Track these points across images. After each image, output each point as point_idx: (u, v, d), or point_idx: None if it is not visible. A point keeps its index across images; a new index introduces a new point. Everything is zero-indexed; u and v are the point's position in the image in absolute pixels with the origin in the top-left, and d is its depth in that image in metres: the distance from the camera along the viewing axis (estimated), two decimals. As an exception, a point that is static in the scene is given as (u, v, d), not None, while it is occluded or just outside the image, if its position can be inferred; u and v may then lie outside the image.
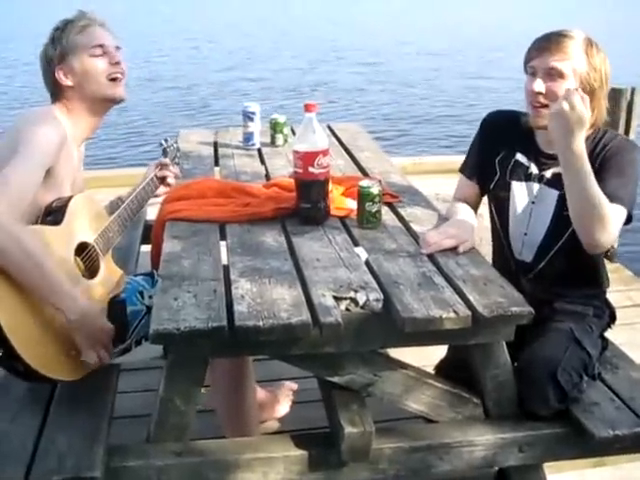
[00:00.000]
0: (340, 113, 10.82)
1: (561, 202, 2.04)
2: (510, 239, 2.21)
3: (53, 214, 1.97)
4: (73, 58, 2.11)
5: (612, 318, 2.22)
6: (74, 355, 1.90)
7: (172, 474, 1.79)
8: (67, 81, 2.11)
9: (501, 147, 2.19)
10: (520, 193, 2.16)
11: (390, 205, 2.37)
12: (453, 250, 1.99)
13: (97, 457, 1.71)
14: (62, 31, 2.12)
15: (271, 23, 25.32)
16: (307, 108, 2.10)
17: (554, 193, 2.08)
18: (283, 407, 2.70)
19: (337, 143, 3.24)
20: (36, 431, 1.82)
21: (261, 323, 1.58)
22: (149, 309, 2.09)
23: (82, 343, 1.88)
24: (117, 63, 2.16)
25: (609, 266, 4.09)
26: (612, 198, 1.93)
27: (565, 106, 1.83)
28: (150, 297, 2.11)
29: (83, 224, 2.06)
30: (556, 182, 2.06)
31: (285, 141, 3.19)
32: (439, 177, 5.01)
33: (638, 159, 2.01)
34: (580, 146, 1.86)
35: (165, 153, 2.63)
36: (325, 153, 2.10)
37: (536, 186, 2.13)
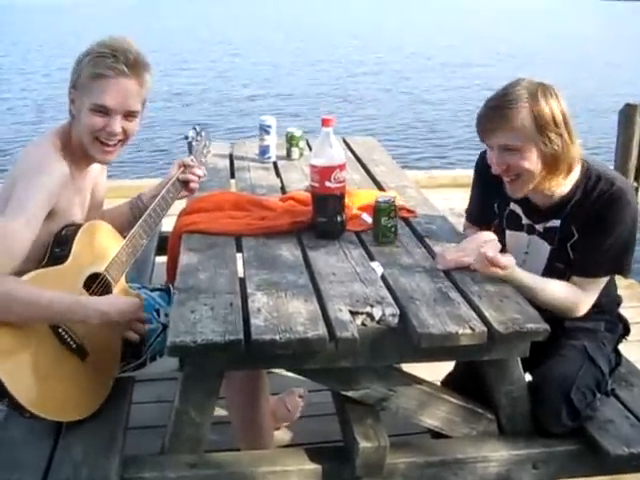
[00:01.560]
0: (355, 125, 10.84)
1: (553, 255, 2.05)
2: None
3: (61, 246, 1.93)
4: (81, 96, 1.96)
5: (626, 330, 2.22)
6: (83, 394, 1.90)
7: (186, 486, 1.80)
8: (73, 109, 2.01)
9: (497, 193, 2.14)
10: (513, 242, 2.15)
11: (406, 220, 2.38)
12: (468, 267, 1.98)
13: (112, 468, 1.73)
14: (92, 59, 1.94)
15: (288, 37, 25.41)
16: (324, 122, 2.11)
17: (546, 247, 2.08)
18: (293, 414, 2.69)
19: (352, 157, 3.25)
20: (52, 441, 1.84)
21: (278, 337, 1.59)
22: (165, 327, 2.10)
23: (116, 333, 1.96)
24: (112, 134, 1.98)
25: (623, 282, 4.09)
26: (591, 273, 2.01)
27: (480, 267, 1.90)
28: (166, 315, 2.11)
29: (93, 254, 2.01)
30: (548, 236, 2.06)
31: (301, 154, 3.20)
32: (453, 191, 5.02)
33: (630, 210, 1.96)
34: (516, 278, 1.91)
35: (190, 148, 2.43)
36: (342, 168, 2.11)
37: (528, 238, 2.13)
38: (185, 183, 2.33)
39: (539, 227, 2.09)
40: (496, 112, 1.92)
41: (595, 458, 1.89)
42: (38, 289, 1.79)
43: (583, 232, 1.99)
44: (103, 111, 1.95)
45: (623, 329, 2.20)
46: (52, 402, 1.80)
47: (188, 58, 19.56)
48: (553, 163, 1.93)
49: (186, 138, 2.43)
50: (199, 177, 2.36)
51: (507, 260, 1.89)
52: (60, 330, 1.84)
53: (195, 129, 2.49)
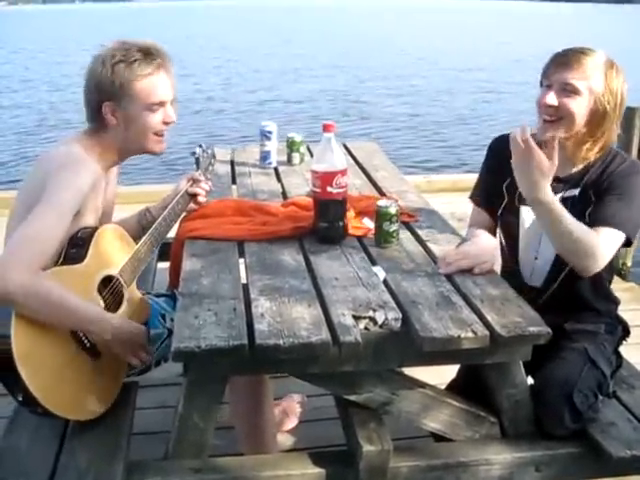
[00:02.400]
0: (356, 128, 10.86)
1: None
2: (520, 265, 2.21)
3: (77, 248, 1.95)
4: (129, 103, 2.01)
5: (625, 332, 2.22)
6: (93, 393, 1.93)
7: (191, 491, 1.80)
8: (112, 119, 2.02)
9: (508, 172, 2.12)
10: (529, 218, 2.14)
11: (407, 224, 2.39)
12: (469, 270, 1.99)
13: (116, 473, 1.74)
14: (126, 66, 1.98)
15: (288, 43, 25.46)
16: (325, 128, 2.12)
17: None
18: (292, 420, 2.71)
19: (353, 162, 3.26)
20: (56, 447, 1.85)
21: (281, 342, 1.60)
22: (170, 332, 2.11)
23: (122, 353, 1.95)
24: (170, 123, 2.11)
25: (623, 285, 4.12)
26: (607, 222, 1.97)
27: (522, 159, 1.87)
28: (172, 320, 2.12)
29: (108, 257, 2.04)
30: (566, 206, 2.04)
31: (301, 160, 3.21)
32: (453, 195, 5.03)
33: None
34: (546, 195, 1.89)
35: (198, 163, 2.53)
36: (343, 173, 2.12)
37: None
38: (193, 196, 2.40)
39: (557, 197, 2.07)
40: (575, 54, 2.00)
41: (597, 460, 1.89)
42: (65, 294, 1.82)
43: (600, 197, 2.01)
44: (159, 108, 2.06)
45: (623, 331, 2.21)
46: (65, 399, 1.82)
47: (188, 64, 19.61)
48: (596, 126, 2.00)
49: (194, 154, 2.54)
50: (206, 191, 2.44)
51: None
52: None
53: (201, 146, 2.59)
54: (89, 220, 2.03)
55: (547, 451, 1.92)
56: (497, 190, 2.21)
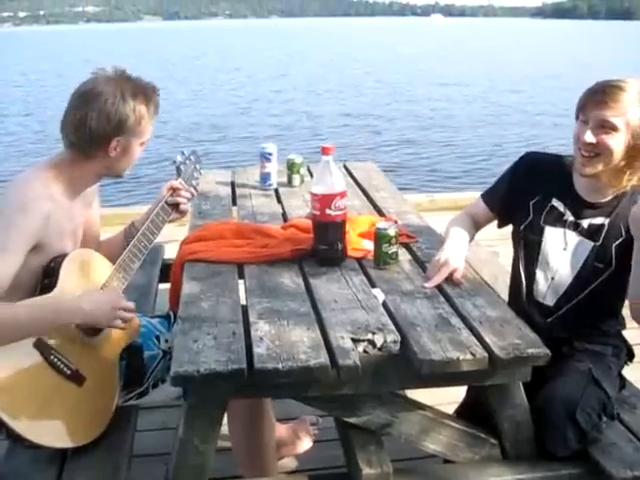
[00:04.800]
0: (357, 149, 10.89)
1: (594, 253, 2.06)
2: (535, 282, 2.20)
3: (49, 277, 1.94)
4: (133, 138, 2.05)
5: (630, 355, 2.22)
6: (86, 417, 1.92)
7: (191, 515, 1.80)
8: (112, 152, 2.02)
9: (538, 190, 2.18)
10: (553, 239, 2.15)
11: (406, 245, 2.40)
12: (450, 279, 2.07)
13: (117, 497, 1.74)
14: (147, 107, 2.06)
15: (288, 65, 25.58)
16: (324, 151, 2.14)
17: (588, 244, 2.08)
18: (304, 443, 2.67)
19: (353, 183, 3.27)
20: (56, 470, 1.84)
21: (280, 365, 1.60)
22: (165, 353, 2.12)
23: (103, 323, 1.94)
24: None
25: (625, 302, 4.09)
26: None
27: None
28: (166, 341, 2.14)
29: (81, 281, 2.01)
30: (593, 233, 2.08)
31: (302, 181, 3.23)
32: (455, 214, 5.03)
33: None
34: None
35: (179, 172, 2.42)
36: (342, 195, 2.13)
37: (570, 234, 2.12)
38: (175, 206, 2.32)
39: (584, 223, 2.10)
40: (610, 90, 1.99)
41: (599, 481, 1.89)
42: (11, 305, 1.79)
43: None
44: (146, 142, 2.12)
45: (627, 354, 2.21)
46: (52, 430, 1.82)
47: (189, 86, 19.71)
48: (634, 158, 2.00)
49: (174, 162, 2.44)
50: (188, 199, 2.36)
51: None
52: (52, 358, 1.85)
53: (183, 153, 2.50)
54: (66, 246, 2.01)
55: (548, 472, 1.91)
56: (521, 205, 2.22)
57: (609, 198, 2.08)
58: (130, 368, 2.05)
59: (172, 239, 2.42)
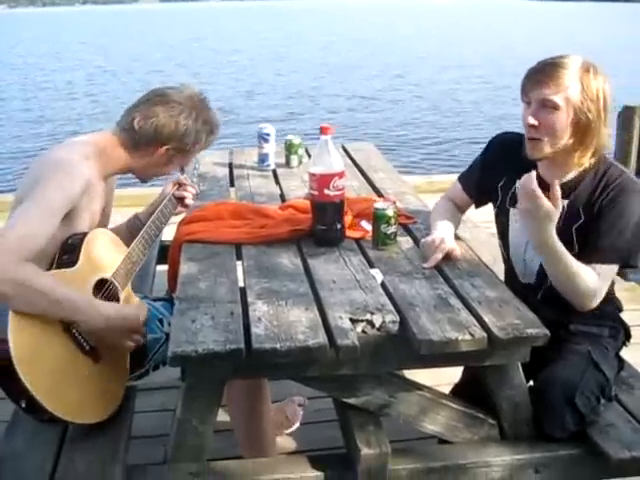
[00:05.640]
0: (355, 130, 10.86)
1: (557, 236, 2.04)
2: (512, 262, 2.21)
3: (68, 253, 1.97)
4: (179, 157, 2.24)
5: (627, 336, 2.22)
6: (98, 396, 1.93)
7: (190, 495, 1.80)
8: (157, 156, 2.19)
9: (504, 172, 2.17)
10: (517, 220, 2.14)
11: (405, 226, 2.39)
12: (448, 259, 2.07)
13: (115, 478, 1.74)
14: (207, 136, 2.25)
15: (287, 45, 25.43)
16: (323, 131, 2.12)
17: None
18: (292, 424, 2.71)
19: (351, 164, 3.26)
20: (55, 451, 1.84)
21: (278, 345, 1.60)
22: (168, 336, 2.11)
23: (116, 340, 1.95)
24: None
25: (624, 285, 4.10)
26: (604, 259, 1.97)
27: (530, 206, 1.85)
28: (169, 324, 2.13)
29: (100, 260, 2.05)
30: None
31: (300, 162, 3.21)
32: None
33: (638, 199, 1.97)
34: (551, 236, 1.88)
35: (182, 169, 2.55)
36: (341, 175, 2.12)
37: None
38: (180, 200, 2.46)
39: None
40: (549, 68, 1.95)
41: (597, 462, 1.89)
42: (53, 282, 1.84)
43: (590, 216, 1.99)
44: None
45: (625, 335, 2.20)
46: (69, 402, 1.82)
47: (187, 68, 19.61)
48: (582, 135, 1.95)
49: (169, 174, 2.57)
50: (192, 194, 2.50)
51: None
52: (73, 331, 1.86)
53: None
54: (83, 225, 2.04)
55: (546, 453, 1.91)
56: (492, 187, 2.22)
57: (569, 179, 2.04)
58: (133, 351, 2.04)
59: (170, 221, 2.42)
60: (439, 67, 19.41)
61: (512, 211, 2.16)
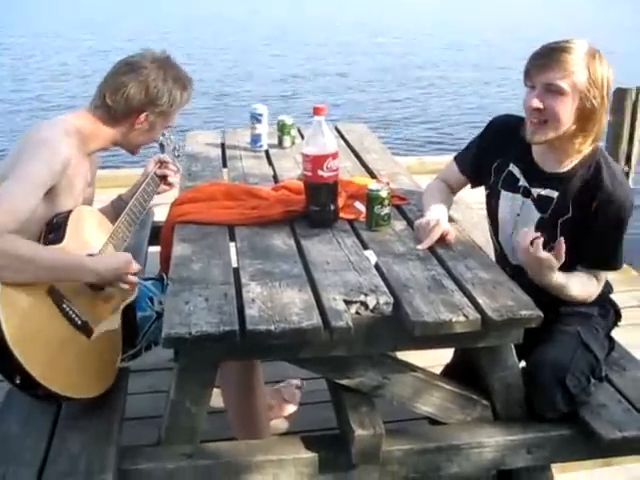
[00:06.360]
0: (347, 110, 10.82)
1: (541, 225, 2.04)
2: (502, 243, 2.22)
3: (54, 231, 1.98)
4: (161, 119, 2.21)
5: (617, 317, 2.23)
6: (91, 371, 1.93)
7: (183, 476, 1.80)
8: (137, 125, 2.16)
9: (499, 154, 2.17)
10: (507, 203, 2.15)
11: (398, 207, 2.38)
12: (442, 241, 2.07)
13: (109, 459, 1.73)
14: (181, 94, 2.20)
15: (277, 24, 25.22)
16: (316, 111, 2.11)
17: (536, 214, 2.07)
18: (290, 406, 2.71)
19: (344, 144, 3.24)
20: (48, 432, 1.84)
21: (272, 327, 1.59)
22: (159, 315, 2.11)
23: (113, 285, 1.98)
24: None
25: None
26: (602, 265, 2.06)
27: (529, 260, 1.87)
28: (160, 303, 2.13)
29: (87, 237, 2.06)
30: (541, 205, 2.06)
31: (292, 143, 3.20)
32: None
33: (630, 206, 2.00)
34: (551, 280, 1.90)
35: (162, 148, 2.58)
36: (335, 156, 2.11)
37: (522, 200, 2.11)
38: (163, 178, 2.45)
39: (534, 192, 2.08)
40: (555, 52, 1.93)
41: (588, 442, 1.91)
42: (40, 247, 1.87)
43: (579, 213, 2.00)
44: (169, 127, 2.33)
45: (615, 315, 2.21)
46: (63, 378, 1.82)
47: (177, 45, 19.45)
48: (585, 122, 1.94)
49: (157, 140, 2.56)
50: (174, 172, 2.50)
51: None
52: (64, 306, 1.86)
53: (164, 134, 2.61)
54: (67, 203, 2.04)
55: (538, 433, 1.93)
56: (486, 169, 2.22)
57: (564, 169, 2.04)
58: (123, 329, 2.04)
59: (161, 202, 2.42)
60: (440, 48, 19.25)
61: (503, 193, 2.16)
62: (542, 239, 1.84)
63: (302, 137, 3.29)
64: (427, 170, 5.43)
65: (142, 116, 2.15)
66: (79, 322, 1.89)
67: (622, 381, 2.08)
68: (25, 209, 1.84)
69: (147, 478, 1.80)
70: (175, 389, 1.78)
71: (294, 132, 3.24)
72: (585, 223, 1.99)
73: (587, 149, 2.01)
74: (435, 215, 2.13)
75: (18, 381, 1.75)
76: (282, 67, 16.28)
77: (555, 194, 2.04)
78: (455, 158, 2.37)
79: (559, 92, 1.91)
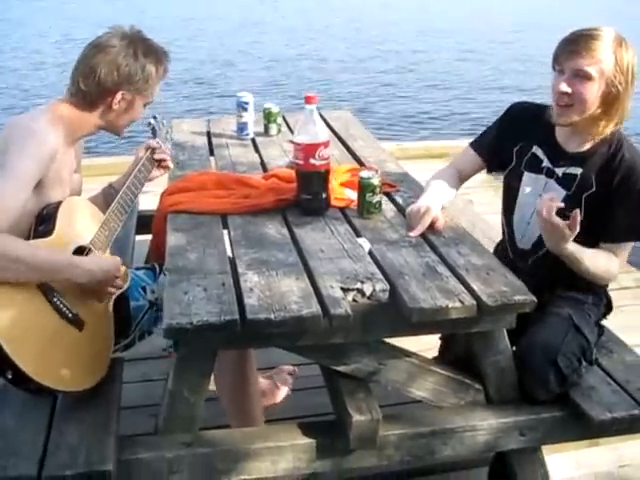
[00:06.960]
0: (332, 98, 10.78)
1: (567, 202, 2.05)
2: (513, 226, 2.25)
3: (44, 223, 1.96)
4: (138, 96, 2.14)
5: (609, 308, 2.27)
6: (84, 364, 1.92)
7: (183, 465, 1.81)
8: (115, 105, 2.10)
9: (521, 138, 2.22)
10: (529, 184, 2.19)
11: (388, 194, 2.40)
12: (432, 228, 2.09)
13: (108, 450, 1.73)
14: (156, 68, 2.14)
15: (261, 13, 25.00)
16: (307, 100, 2.12)
17: (561, 192, 2.11)
18: (282, 392, 2.73)
19: (330, 132, 3.24)
20: (45, 425, 1.83)
21: (272, 316, 1.61)
22: (152, 304, 2.12)
23: (100, 289, 1.97)
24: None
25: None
26: (623, 238, 2.09)
27: (546, 226, 1.90)
28: (153, 292, 2.13)
29: (77, 228, 2.04)
30: (566, 182, 2.10)
31: (279, 131, 3.20)
32: (426, 162, 5.03)
33: None
34: (565, 249, 1.93)
35: (154, 132, 2.56)
36: (326, 145, 2.12)
37: (546, 180, 2.16)
38: (158, 163, 2.41)
39: (559, 171, 2.13)
40: (584, 39, 1.99)
41: (579, 423, 1.94)
42: (29, 245, 1.84)
43: (603, 187, 2.05)
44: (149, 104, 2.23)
45: (607, 306, 2.25)
46: (55, 372, 1.81)
47: (164, 36, 19.20)
48: (609, 106, 2.01)
49: (149, 125, 2.58)
50: (168, 156, 2.46)
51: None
52: (55, 300, 1.85)
53: (155, 118, 2.62)
54: (55, 194, 2.03)
55: (531, 416, 1.96)
56: (507, 153, 2.26)
57: (586, 148, 2.10)
58: (116, 318, 2.04)
59: (145, 190, 2.40)
60: (428, 35, 19.14)
61: (526, 174, 2.20)
62: (558, 204, 1.89)
63: (288, 125, 3.30)
64: (409, 156, 5.46)
65: (118, 96, 2.09)
66: (70, 315, 1.88)
67: (610, 364, 2.12)
68: (15, 207, 1.83)
69: (147, 467, 1.81)
70: (173, 378, 1.79)
71: (280, 120, 3.24)
72: (608, 197, 2.04)
73: (606, 132, 2.06)
74: (426, 201, 2.15)
75: (10, 376, 1.75)
76: (267, 56, 16.15)
77: (579, 170, 2.09)
78: (471, 144, 2.39)
79: (587, 77, 1.98)
